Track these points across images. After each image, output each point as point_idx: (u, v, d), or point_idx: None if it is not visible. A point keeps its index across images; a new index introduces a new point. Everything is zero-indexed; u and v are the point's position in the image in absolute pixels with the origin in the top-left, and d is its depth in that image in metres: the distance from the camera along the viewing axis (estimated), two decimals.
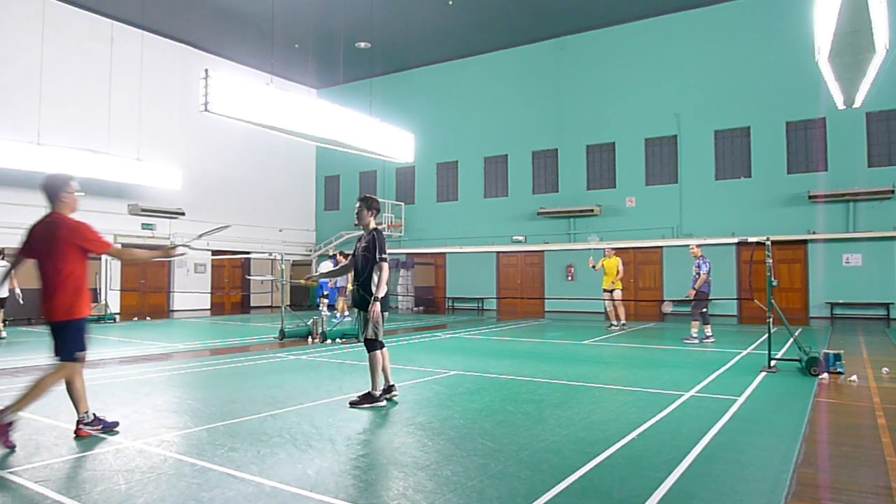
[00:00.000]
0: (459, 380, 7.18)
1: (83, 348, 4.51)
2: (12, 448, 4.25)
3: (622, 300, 13.31)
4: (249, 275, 20.63)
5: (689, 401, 5.90)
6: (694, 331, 10.73)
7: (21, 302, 11.95)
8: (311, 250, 25.61)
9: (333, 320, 14.57)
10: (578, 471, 3.77)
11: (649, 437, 4.60)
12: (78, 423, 4.63)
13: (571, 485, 3.54)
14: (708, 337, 10.84)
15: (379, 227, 5.91)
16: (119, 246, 4.69)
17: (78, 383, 4.57)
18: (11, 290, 11.56)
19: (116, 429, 4.77)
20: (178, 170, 18.65)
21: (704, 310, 10.79)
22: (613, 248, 13.66)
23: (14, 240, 16.52)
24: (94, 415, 4.69)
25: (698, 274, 10.62)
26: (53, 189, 4.50)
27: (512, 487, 3.51)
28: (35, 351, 10.06)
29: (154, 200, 19.93)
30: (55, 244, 4.38)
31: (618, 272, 13.00)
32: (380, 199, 23.31)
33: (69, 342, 4.44)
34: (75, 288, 4.43)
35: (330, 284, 16.95)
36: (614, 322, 13.50)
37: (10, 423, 4.31)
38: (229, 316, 19.44)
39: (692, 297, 10.65)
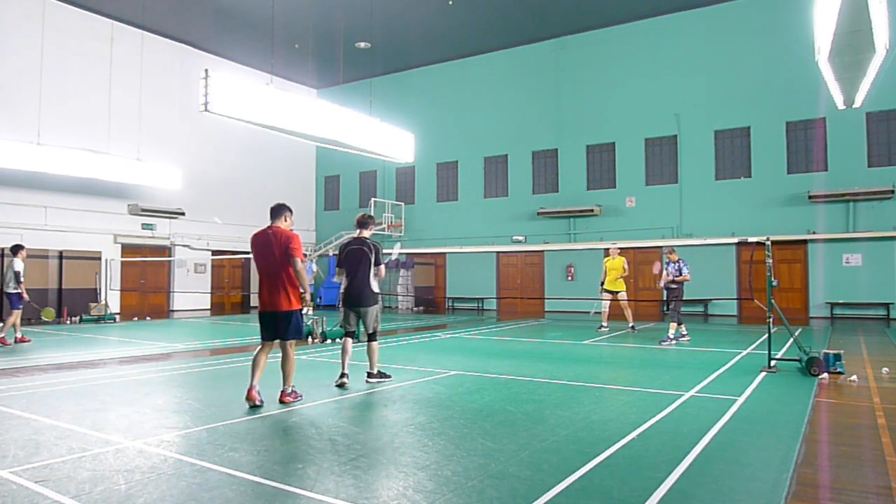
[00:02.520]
0: (459, 380, 7.18)
1: (301, 331, 5.89)
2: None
3: (628, 301, 13.24)
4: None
5: (689, 401, 5.90)
6: (671, 332, 10.74)
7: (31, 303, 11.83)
8: (310, 250, 25.61)
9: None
10: (578, 471, 3.77)
11: (649, 437, 4.60)
12: (282, 393, 5.80)
13: (571, 485, 3.54)
14: (683, 335, 10.98)
15: (361, 237, 6.94)
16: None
17: (292, 357, 5.83)
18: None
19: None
20: (178, 170, 18.68)
21: (679, 312, 10.88)
22: (618, 248, 13.59)
23: (14, 240, 16.39)
24: (293, 388, 5.88)
25: (679, 274, 10.70)
26: (280, 212, 5.92)
27: (512, 487, 3.51)
28: (36, 351, 10.06)
29: (154, 200, 19.93)
30: (281, 251, 5.66)
31: (624, 270, 12.96)
32: (380, 199, 23.20)
33: (294, 327, 5.73)
34: (294, 286, 5.75)
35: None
36: (605, 324, 13.46)
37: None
38: (229, 316, 19.44)
39: (671, 299, 10.72)
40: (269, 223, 5.92)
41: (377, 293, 6.92)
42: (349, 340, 6.90)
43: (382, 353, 9.56)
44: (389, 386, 6.82)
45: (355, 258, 6.80)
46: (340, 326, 7.04)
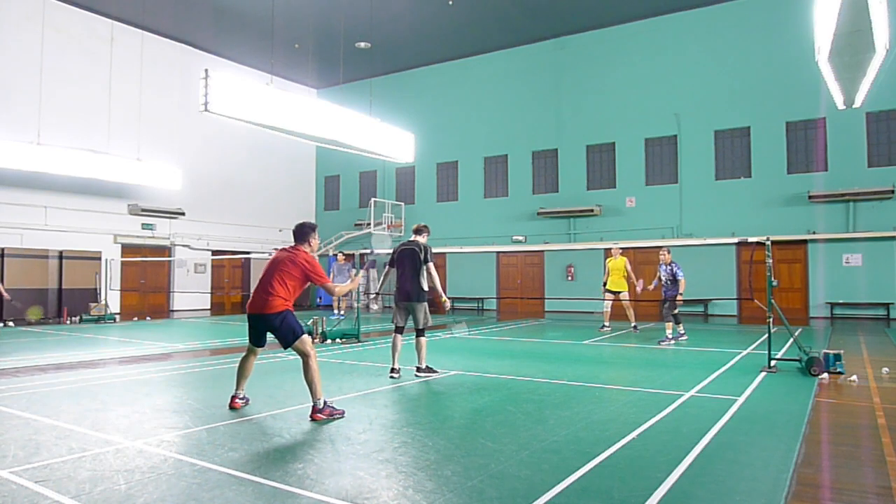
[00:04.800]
0: (459, 380, 7.18)
1: (299, 328, 5.38)
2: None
3: (631, 301, 13.24)
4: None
5: (689, 401, 5.90)
6: (669, 332, 10.75)
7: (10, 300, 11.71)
8: None
9: (333, 317, 14.66)
10: (578, 471, 3.77)
11: (649, 437, 4.60)
12: (312, 409, 5.21)
13: (571, 485, 3.54)
14: (682, 335, 10.99)
15: (415, 241, 7.46)
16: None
17: (312, 364, 5.29)
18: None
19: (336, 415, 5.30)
20: (178, 170, 18.66)
21: (676, 311, 10.82)
22: (620, 248, 13.62)
23: (14, 240, 16.38)
24: (327, 402, 5.28)
25: (672, 279, 10.65)
26: (303, 234, 5.58)
27: (512, 487, 3.51)
28: (36, 351, 10.06)
29: (154, 200, 19.93)
30: (291, 267, 5.35)
31: (627, 273, 12.97)
32: (380, 199, 23.15)
33: (287, 327, 5.31)
34: (288, 296, 5.38)
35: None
36: (607, 324, 13.50)
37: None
38: (229, 316, 19.45)
39: (667, 299, 10.70)
40: (292, 244, 5.59)
41: (425, 290, 7.33)
42: (398, 336, 7.38)
43: (384, 351, 9.57)
44: (389, 386, 6.83)
45: (405, 257, 7.34)
46: (393, 322, 7.48)
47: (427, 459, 4.05)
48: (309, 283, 5.47)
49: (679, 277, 10.60)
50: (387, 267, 7.60)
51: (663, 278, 10.85)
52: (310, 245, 5.60)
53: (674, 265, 10.73)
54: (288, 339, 5.30)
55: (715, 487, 3.51)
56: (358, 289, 12.74)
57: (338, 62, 21.77)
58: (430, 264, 7.34)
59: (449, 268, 22.81)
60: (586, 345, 10.91)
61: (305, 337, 5.36)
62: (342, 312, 16.58)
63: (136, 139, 19.18)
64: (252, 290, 5.57)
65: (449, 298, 8.14)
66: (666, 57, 19.07)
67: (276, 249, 5.84)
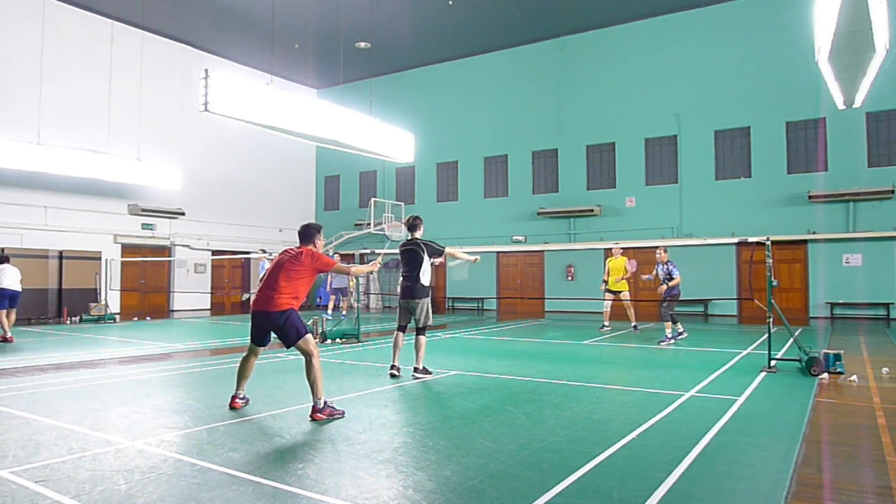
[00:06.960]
0: (459, 380, 7.18)
1: (304, 327, 5.42)
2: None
3: (631, 301, 13.22)
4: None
5: (689, 401, 5.90)
6: (668, 332, 10.75)
7: None
8: None
9: (341, 317, 14.69)
10: (578, 471, 3.78)
11: (649, 437, 4.60)
12: (313, 409, 5.22)
13: (571, 485, 3.54)
14: (680, 334, 10.99)
15: (413, 239, 7.48)
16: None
17: (315, 364, 5.31)
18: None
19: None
20: (178, 170, 18.65)
21: (672, 311, 10.80)
22: (621, 248, 13.62)
23: (14, 240, 16.34)
24: (327, 402, 5.30)
25: (669, 278, 10.66)
26: (309, 235, 5.69)
27: (512, 487, 3.51)
28: (36, 351, 10.06)
29: (154, 200, 19.93)
30: (297, 265, 5.44)
31: (626, 272, 12.96)
32: (380, 199, 23.15)
33: (291, 326, 5.33)
34: (295, 294, 5.46)
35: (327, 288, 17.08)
36: (607, 323, 13.50)
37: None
38: (229, 316, 19.44)
39: (665, 299, 10.69)
40: (298, 245, 5.68)
41: (427, 287, 7.35)
42: (400, 334, 7.43)
43: (384, 351, 9.57)
44: (389, 386, 6.83)
45: (409, 258, 7.39)
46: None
47: (427, 459, 4.05)
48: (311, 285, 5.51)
49: (675, 276, 10.62)
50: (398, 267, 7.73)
51: (661, 277, 10.86)
52: (315, 246, 5.71)
53: (670, 264, 10.75)
54: (291, 337, 5.32)
55: (715, 487, 3.51)
56: (358, 287, 12.77)
57: (338, 62, 21.76)
58: (446, 249, 7.47)
59: (449, 268, 22.79)
60: (586, 345, 10.91)
61: (309, 336, 5.39)
62: (344, 312, 16.55)
63: (136, 139, 19.17)
64: (256, 290, 5.59)
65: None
66: (666, 57, 19.07)
67: (264, 252, 5.90)
